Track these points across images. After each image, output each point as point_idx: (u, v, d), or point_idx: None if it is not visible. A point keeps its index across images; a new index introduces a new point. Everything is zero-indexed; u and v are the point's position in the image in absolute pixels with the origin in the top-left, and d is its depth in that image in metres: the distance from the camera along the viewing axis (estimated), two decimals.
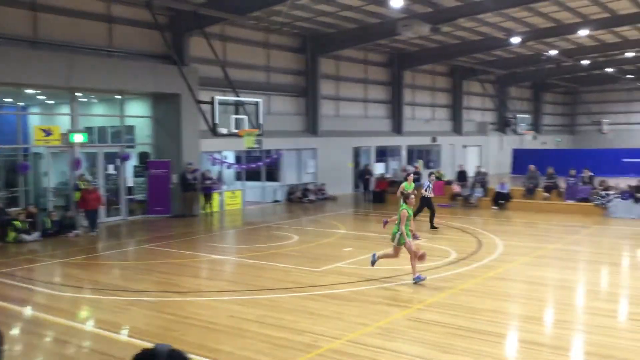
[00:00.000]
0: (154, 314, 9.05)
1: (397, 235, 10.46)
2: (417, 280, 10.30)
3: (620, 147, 42.43)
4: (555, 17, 25.83)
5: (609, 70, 42.74)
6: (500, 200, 22.06)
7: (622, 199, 19.52)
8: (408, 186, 15.44)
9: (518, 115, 42.91)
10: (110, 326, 8.34)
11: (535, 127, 46.30)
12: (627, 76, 47.23)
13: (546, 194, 21.90)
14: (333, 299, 9.62)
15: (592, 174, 21.69)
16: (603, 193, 20.11)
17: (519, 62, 36.88)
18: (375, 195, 25.44)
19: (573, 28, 26.73)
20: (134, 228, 18.56)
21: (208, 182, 21.27)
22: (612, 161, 32.51)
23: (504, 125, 42.40)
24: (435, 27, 23.83)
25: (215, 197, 21.97)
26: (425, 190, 17.17)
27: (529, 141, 43.53)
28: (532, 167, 23.55)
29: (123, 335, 8.03)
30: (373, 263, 10.98)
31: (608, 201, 19.76)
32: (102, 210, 18.39)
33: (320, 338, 7.65)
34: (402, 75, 33.07)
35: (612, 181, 21.35)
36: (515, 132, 41.91)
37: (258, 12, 21.87)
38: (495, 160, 39.99)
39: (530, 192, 22.45)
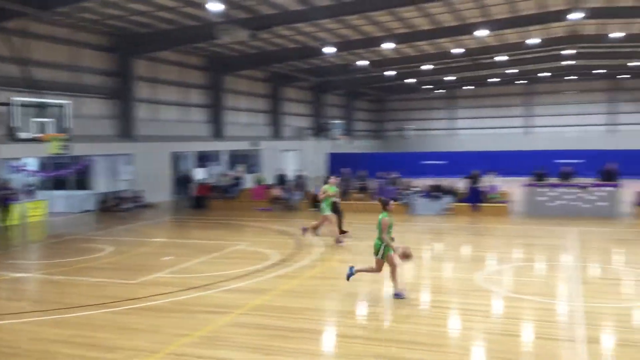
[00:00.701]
0: None
1: (382, 248, 9.73)
2: (398, 297, 9.66)
3: (422, 150, 46.93)
4: (364, 30, 27.75)
5: (411, 80, 47.16)
6: (318, 202, 22.95)
7: (423, 197, 21.60)
8: (332, 189, 15.43)
9: (333, 121, 45.45)
10: None
11: (348, 132, 49.25)
12: (426, 86, 52.64)
13: (359, 195, 23.37)
14: (150, 311, 9.20)
15: (398, 175, 23.66)
16: (406, 192, 22.05)
17: (333, 70, 38.97)
18: (196, 200, 24.95)
19: (379, 41, 28.97)
20: None
21: (6, 192, 19.11)
22: (414, 163, 35.75)
23: (319, 130, 44.53)
24: (254, 33, 24.15)
25: (15, 208, 19.80)
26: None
27: (343, 145, 46.15)
28: (345, 170, 25.00)
29: None
30: (349, 277, 10.10)
31: (411, 200, 21.69)
32: None
33: (137, 354, 7.25)
34: (222, 79, 32.95)
35: (415, 182, 23.49)
36: (330, 137, 44.25)
37: (64, 8, 20.21)
38: (312, 164, 41.71)
39: (344, 194, 23.73)
